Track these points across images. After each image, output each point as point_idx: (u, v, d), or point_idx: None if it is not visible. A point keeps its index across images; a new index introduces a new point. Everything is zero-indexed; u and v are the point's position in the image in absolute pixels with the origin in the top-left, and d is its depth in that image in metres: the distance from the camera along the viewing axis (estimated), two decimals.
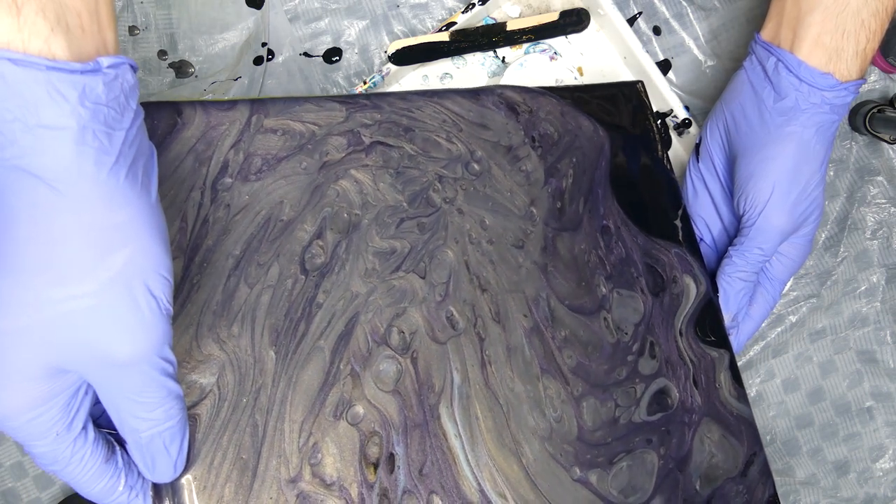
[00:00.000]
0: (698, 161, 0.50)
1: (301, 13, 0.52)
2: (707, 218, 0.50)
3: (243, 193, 0.37)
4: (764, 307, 0.48)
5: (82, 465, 0.29)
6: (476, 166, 0.42)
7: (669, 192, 0.47)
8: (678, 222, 0.47)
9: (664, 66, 0.56)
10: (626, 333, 0.42)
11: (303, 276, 0.37)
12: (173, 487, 0.32)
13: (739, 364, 0.56)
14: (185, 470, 0.32)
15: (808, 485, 0.56)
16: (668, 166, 0.48)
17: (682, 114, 0.53)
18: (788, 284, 0.52)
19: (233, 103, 0.38)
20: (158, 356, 0.29)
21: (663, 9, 0.56)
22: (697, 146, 0.50)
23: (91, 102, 0.26)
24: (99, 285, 0.27)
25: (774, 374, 0.56)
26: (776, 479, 0.56)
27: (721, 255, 0.49)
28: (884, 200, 0.56)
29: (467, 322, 0.39)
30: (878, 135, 0.54)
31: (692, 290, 0.45)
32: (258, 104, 0.38)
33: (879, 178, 0.56)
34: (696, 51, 0.56)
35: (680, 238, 0.46)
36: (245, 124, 0.38)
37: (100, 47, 0.28)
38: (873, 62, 0.55)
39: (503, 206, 0.42)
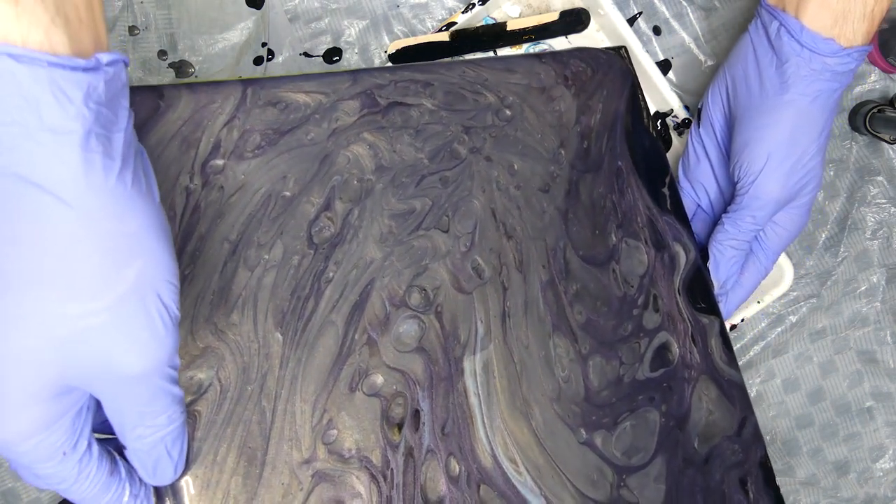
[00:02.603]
0: (699, 126, 0.49)
1: (301, 13, 0.52)
2: (705, 183, 0.49)
3: (238, 173, 0.35)
4: (755, 276, 0.48)
5: (89, 481, 0.29)
6: (508, 112, 0.42)
7: (656, 159, 0.47)
8: (665, 190, 0.46)
9: (664, 66, 0.56)
10: (632, 286, 0.43)
11: (311, 251, 0.35)
12: (173, 489, 0.31)
13: (738, 364, 0.56)
14: (186, 470, 0.31)
15: (808, 485, 0.56)
16: (654, 134, 0.48)
17: (682, 114, 0.53)
18: (788, 284, 0.52)
19: (224, 82, 0.36)
20: (168, 365, 0.28)
21: (663, 9, 0.56)
22: (699, 111, 0.49)
23: (94, 103, 0.24)
24: (114, 299, 0.25)
25: (774, 374, 0.56)
26: (777, 479, 0.56)
27: (716, 220, 0.49)
28: (884, 200, 0.56)
29: (493, 270, 0.39)
30: (878, 135, 0.54)
31: (682, 257, 0.45)
32: (253, 81, 0.36)
33: (879, 178, 0.56)
34: (696, 51, 0.56)
35: (668, 206, 0.46)
36: (240, 100, 0.36)
37: (95, 41, 0.26)
38: (873, 62, 0.55)
39: (533, 149, 0.42)
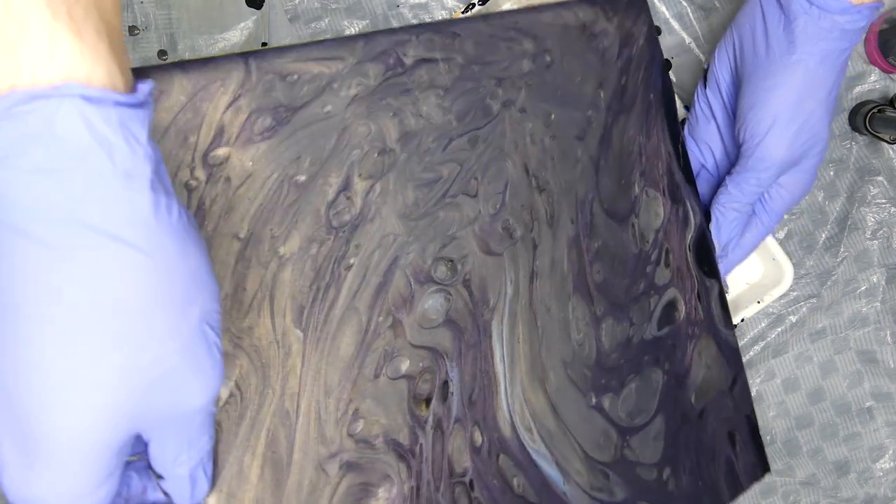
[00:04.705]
0: (706, 87, 0.48)
1: (301, 13, 0.52)
2: (711, 144, 0.49)
3: (246, 160, 0.31)
4: (756, 238, 0.47)
5: None
6: (547, 57, 0.39)
7: (671, 104, 0.46)
8: (679, 147, 0.46)
9: (664, 66, 0.56)
10: (648, 241, 0.43)
11: (329, 237, 0.32)
12: None
13: None
14: (213, 485, 0.30)
15: (808, 485, 0.56)
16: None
17: (682, 113, 0.53)
18: (788, 284, 0.52)
19: (221, 57, 0.31)
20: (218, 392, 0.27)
21: (663, 9, 0.55)
22: (706, 71, 0.49)
23: (151, 140, 0.22)
24: (182, 342, 0.24)
25: (774, 374, 0.56)
26: (776, 479, 0.56)
27: (721, 182, 0.48)
28: (884, 200, 0.56)
29: (525, 228, 0.38)
30: (879, 135, 0.54)
31: (692, 215, 0.45)
32: (255, 53, 0.32)
33: (879, 178, 0.56)
34: (696, 51, 0.56)
35: (681, 164, 0.46)
36: (244, 77, 0.31)
37: (127, 68, 0.24)
38: (873, 62, 0.55)
39: (571, 93, 0.40)
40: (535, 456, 0.37)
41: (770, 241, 0.53)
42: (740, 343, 0.56)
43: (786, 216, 0.56)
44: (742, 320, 0.53)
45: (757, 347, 0.56)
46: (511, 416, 0.36)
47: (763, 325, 0.56)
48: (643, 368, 0.42)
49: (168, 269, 0.23)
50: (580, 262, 0.40)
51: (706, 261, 0.46)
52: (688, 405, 0.43)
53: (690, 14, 0.56)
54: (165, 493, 0.29)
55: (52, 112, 0.20)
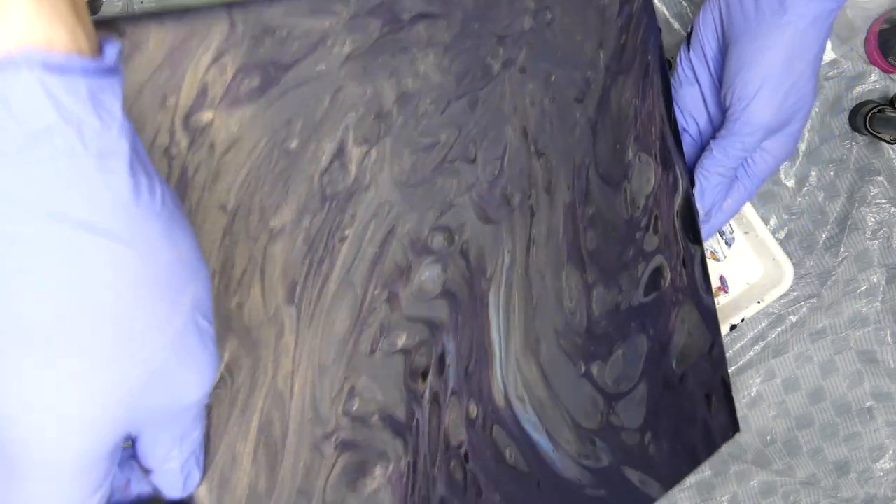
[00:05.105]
0: (689, 50, 0.48)
1: None
2: (694, 110, 0.48)
3: (232, 125, 0.28)
4: (738, 202, 0.47)
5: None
6: (548, 14, 0.38)
7: (666, 75, 0.46)
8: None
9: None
10: (638, 207, 0.43)
11: (323, 208, 0.30)
12: (190, 499, 0.29)
13: (739, 364, 0.56)
14: (204, 472, 0.28)
15: (808, 485, 0.56)
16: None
17: None
18: (788, 284, 0.52)
19: (201, 8, 0.28)
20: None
21: (663, 9, 0.55)
22: (689, 35, 0.48)
23: (125, 112, 0.19)
24: (174, 336, 0.22)
25: (774, 374, 0.56)
26: (776, 479, 0.56)
27: (704, 148, 0.48)
28: (884, 200, 0.56)
29: (523, 195, 0.37)
30: (879, 135, 0.54)
31: (679, 185, 0.45)
32: (243, 6, 0.28)
33: (879, 178, 0.56)
34: None
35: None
36: (228, 32, 0.28)
37: (90, 25, 0.20)
38: (873, 62, 0.55)
39: (571, 53, 0.39)
40: (526, 426, 0.37)
41: (770, 241, 0.53)
42: (740, 343, 0.56)
43: (785, 216, 0.56)
44: (742, 320, 0.53)
45: (757, 347, 0.56)
46: (505, 387, 0.36)
47: (763, 325, 0.56)
48: (630, 335, 0.42)
49: (154, 260, 0.20)
50: (574, 230, 0.39)
51: (691, 227, 0.46)
52: (669, 370, 0.44)
53: (690, 14, 0.56)
54: (155, 487, 0.28)
55: (6, 86, 0.17)
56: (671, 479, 0.44)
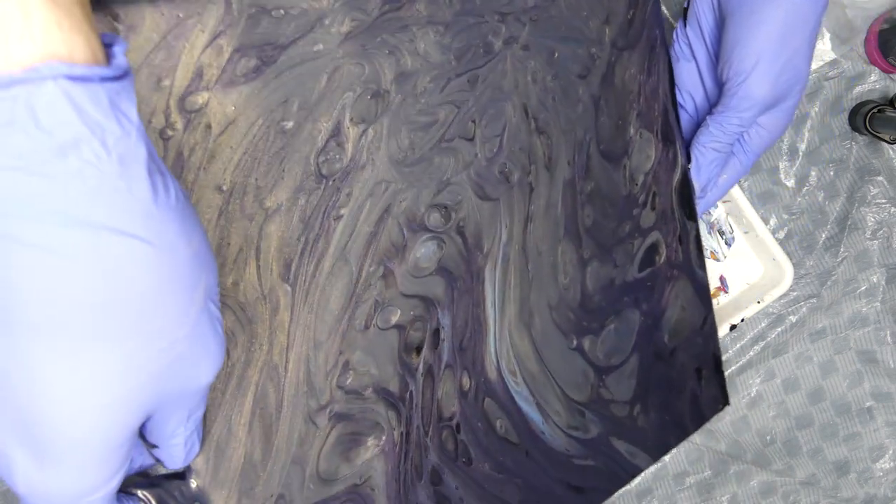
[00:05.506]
0: (686, 26, 0.47)
1: None
2: (690, 86, 0.48)
3: (227, 105, 0.28)
4: (733, 178, 0.47)
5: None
6: None
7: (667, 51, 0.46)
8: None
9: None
10: (637, 184, 0.43)
11: (319, 186, 0.30)
12: (189, 468, 0.30)
13: (739, 364, 0.56)
14: (202, 446, 0.29)
15: (808, 485, 0.56)
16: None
17: None
18: (788, 284, 0.52)
19: None
20: None
21: (663, 9, 0.55)
22: (685, 10, 0.48)
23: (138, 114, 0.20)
24: (191, 323, 0.23)
25: (774, 374, 0.56)
26: (776, 479, 0.56)
27: (700, 124, 0.47)
28: (884, 200, 0.56)
29: (522, 171, 0.37)
30: (878, 135, 0.54)
31: (678, 161, 0.45)
32: None
33: (879, 178, 0.56)
34: None
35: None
36: (224, 11, 0.27)
37: (96, 30, 0.21)
38: (873, 62, 0.55)
39: (577, 29, 0.39)
40: (517, 398, 0.37)
41: (770, 241, 0.53)
42: (740, 343, 0.56)
43: (785, 216, 0.56)
44: (742, 320, 0.53)
45: (757, 347, 0.56)
46: (497, 360, 0.37)
47: (763, 325, 0.56)
48: (622, 310, 0.42)
49: (172, 255, 0.21)
50: (573, 205, 0.39)
51: (688, 203, 0.46)
52: (661, 344, 0.44)
53: None
54: (157, 459, 0.29)
55: (33, 99, 0.18)
56: (659, 450, 0.45)
